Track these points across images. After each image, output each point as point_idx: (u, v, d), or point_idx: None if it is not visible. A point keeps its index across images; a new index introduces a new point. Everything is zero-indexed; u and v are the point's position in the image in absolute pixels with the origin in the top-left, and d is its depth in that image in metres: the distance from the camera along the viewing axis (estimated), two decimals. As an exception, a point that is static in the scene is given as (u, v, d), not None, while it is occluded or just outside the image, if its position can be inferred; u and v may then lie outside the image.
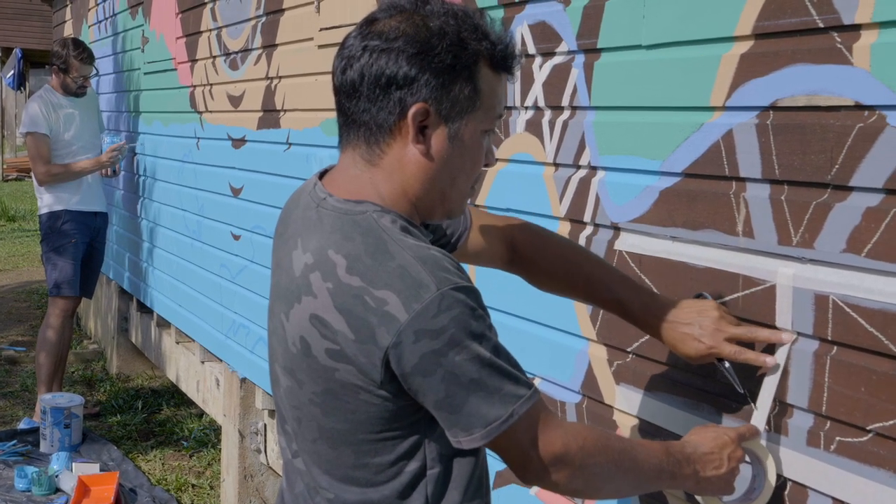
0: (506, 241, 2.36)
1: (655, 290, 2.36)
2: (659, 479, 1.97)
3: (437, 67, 1.82)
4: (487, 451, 1.92)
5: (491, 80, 1.88)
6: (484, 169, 1.99)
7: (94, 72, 7.20)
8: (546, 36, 2.89)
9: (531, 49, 2.95)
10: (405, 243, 1.80)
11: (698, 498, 2.13)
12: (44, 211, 7.00)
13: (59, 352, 6.96)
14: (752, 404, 2.19)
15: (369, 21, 1.88)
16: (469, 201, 2.05)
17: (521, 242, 2.37)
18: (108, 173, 7.26)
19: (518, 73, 1.98)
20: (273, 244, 2.05)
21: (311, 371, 1.86)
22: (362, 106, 1.87)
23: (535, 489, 2.94)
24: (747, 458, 2.13)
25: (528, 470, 1.86)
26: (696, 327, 2.19)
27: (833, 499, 2.04)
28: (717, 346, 2.17)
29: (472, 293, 1.80)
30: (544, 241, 2.38)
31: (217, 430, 6.58)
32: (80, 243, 7.02)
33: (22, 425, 6.76)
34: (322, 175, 2.02)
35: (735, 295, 2.24)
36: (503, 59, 1.89)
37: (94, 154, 7.11)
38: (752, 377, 2.20)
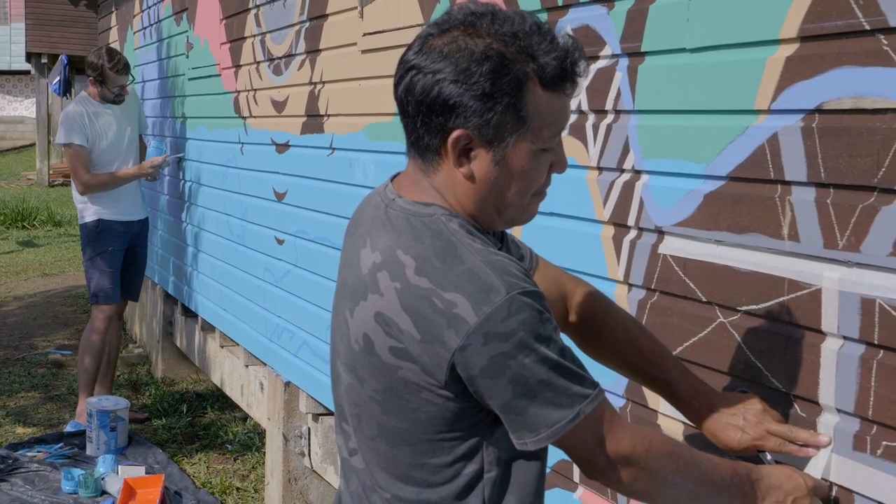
0: (566, 301, 2.36)
1: (701, 379, 2.36)
2: (719, 495, 1.98)
3: (475, 94, 1.79)
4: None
5: (542, 100, 1.84)
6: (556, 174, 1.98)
7: (131, 79, 7.18)
8: (590, 40, 2.89)
9: (574, 53, 2.95)
10: (473, 247, 1.83)
11: None
12: (83, 220, 7.05)
13: (101, 356, 7.03)
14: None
15: (424, 36, 1.87)
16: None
17: (583, 306, 2.36)
18: (149, 178, 7.29)
19: (581, 86, 1.93)
20: (343, 242, 2.07)
21: (374, 368, 1.88)
22: (411, 124, 1.89)
23: (579, 493, 2.94)
24: None
25: (593, 467, 1.90)
26: (740, 418, 2.22)
27: (880, 504, 2.03)
28: (760, 439, 2.20)
29: (539, 297, 1.82)
30: (606, 309, 2.38)
31: (261, 433, 6.61)
32: (118, 251, 7.06)
33: (69, 428, 6.83)
34: (395, 177, 2.04)
35: (780, 299, 2.23)
36: (554, 80, 1.84)
37: (133, 159, 7.15)
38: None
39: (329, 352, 2.10)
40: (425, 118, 1.84)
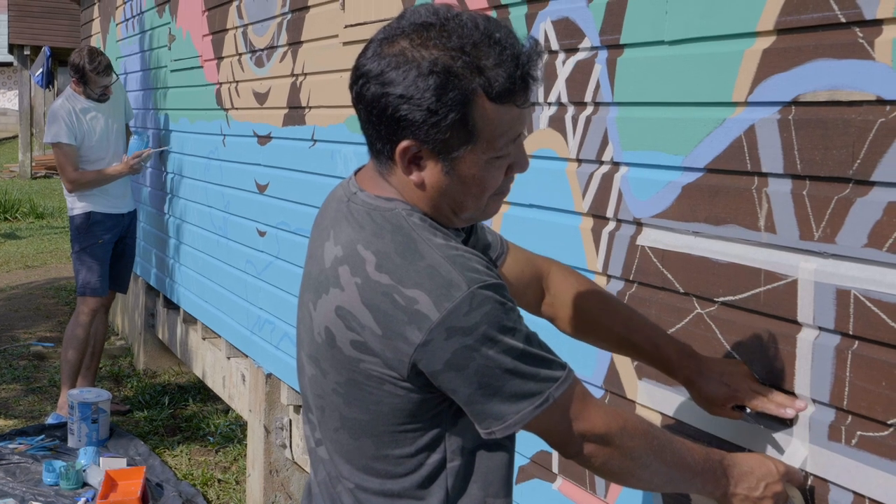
0: (541, 281, 2.37)
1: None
2: (691, 480, 2.00)
3: (420, 109, 1.77)
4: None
5: (491, 113, 1.80)
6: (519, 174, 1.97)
7: (115, 78, 7.17)
8: (569, 32, 2.89)
9: (554, 45, 2.96)
10: (434, 242, 1.84)
11: None
12: (73, 213, 7.05)
13: (85, 349, 7.03)
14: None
15: (378, 41, 1.84)
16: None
17: (559, 283, 2.37)
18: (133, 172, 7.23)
19: (534, 93, 1.89)
20: (311, 234, 2.08)
21: (336, 361, 1.89)
22: (364, 128, 1.89)
23: (558, 484, 2.95)
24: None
25: (568, 447, 1.91)
26: (725, 375, 2.24)
27: (854, 493, 2.04)
28: (740, 392, 2.22)
29: (501, 288, 1.83)
30: (582, 283, 2.39)
31: (243, 425, 6.61)
32: (108, 243, 7.08)
33: (50, 420, 6.81)
34: (358, 171, 2.04)
35: (757, 290, 2.25)
36: (502, 94, 1.80)
37: (121, 153, 7.14)
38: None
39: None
40: (376, 126, 1.84)
